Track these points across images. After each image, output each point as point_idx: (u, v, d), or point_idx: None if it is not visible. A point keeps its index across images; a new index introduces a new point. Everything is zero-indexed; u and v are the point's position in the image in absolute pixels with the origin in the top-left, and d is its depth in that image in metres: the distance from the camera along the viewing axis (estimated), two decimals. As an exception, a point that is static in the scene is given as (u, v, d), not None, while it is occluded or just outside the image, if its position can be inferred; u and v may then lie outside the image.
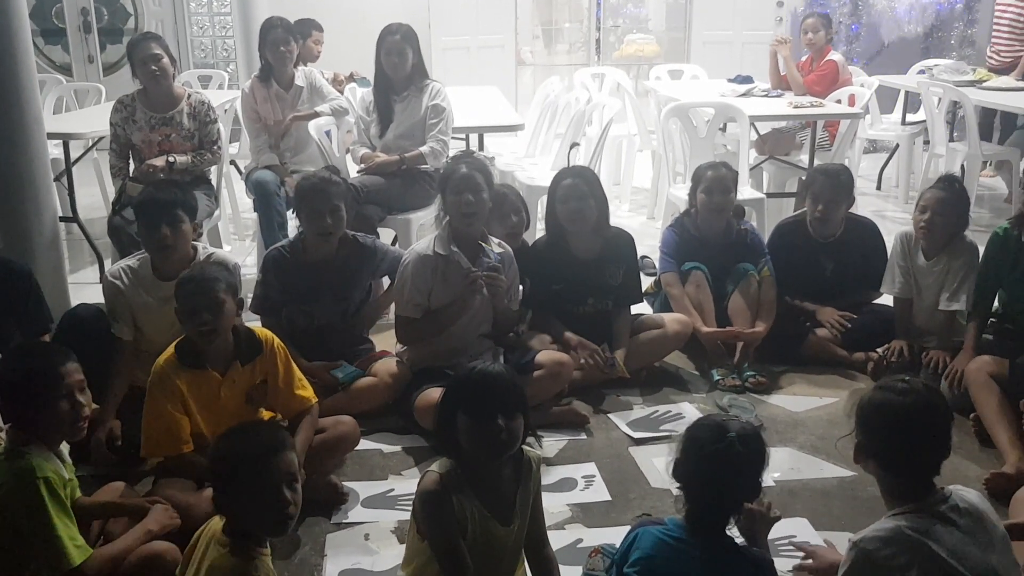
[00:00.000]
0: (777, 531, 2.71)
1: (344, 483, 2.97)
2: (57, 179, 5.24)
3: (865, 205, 6.46)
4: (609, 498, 2.95)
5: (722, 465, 1.94)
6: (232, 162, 5.91)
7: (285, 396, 2.92)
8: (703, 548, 1.98)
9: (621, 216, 6.38)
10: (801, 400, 3.63)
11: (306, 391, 2.97)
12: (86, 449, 3.02)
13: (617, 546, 2.61)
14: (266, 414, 3.00)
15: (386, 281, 3.79)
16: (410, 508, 2.74)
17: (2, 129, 3.87)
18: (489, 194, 3.41)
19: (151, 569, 2.26)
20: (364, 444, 3.25)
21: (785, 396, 3.66)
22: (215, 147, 4.47)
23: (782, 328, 3.91)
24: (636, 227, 6.09)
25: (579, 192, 3.68)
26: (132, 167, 4.47)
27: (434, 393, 3.17)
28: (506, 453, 2.09)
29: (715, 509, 2.00)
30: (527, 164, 5.69)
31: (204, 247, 3.38)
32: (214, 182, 4.64)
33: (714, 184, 3.93)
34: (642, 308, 4.05)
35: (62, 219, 5.22)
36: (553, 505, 2.89)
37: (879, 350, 3.82)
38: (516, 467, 2.17)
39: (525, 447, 2.20)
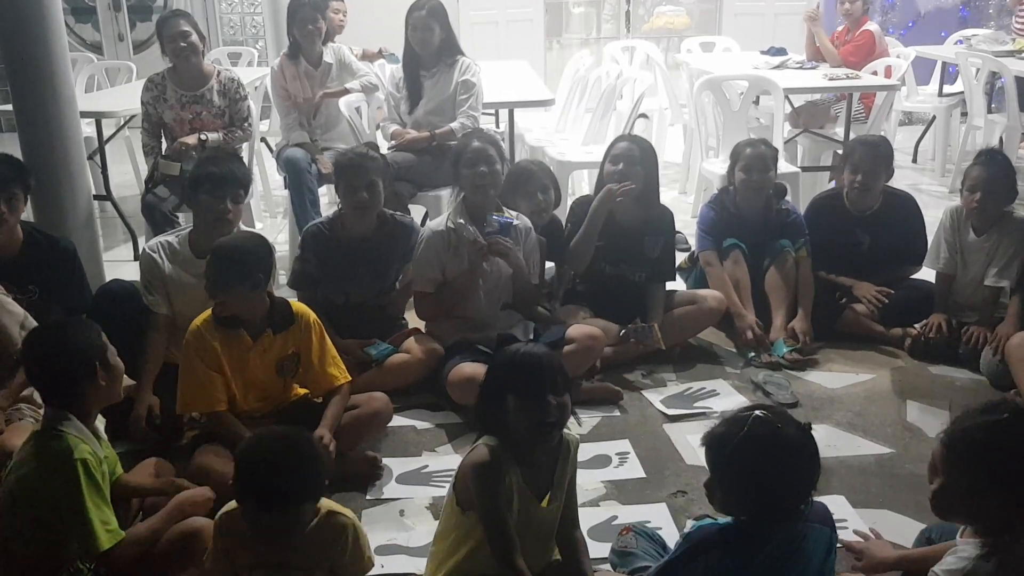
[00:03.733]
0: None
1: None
2: (90, 157, 5.29)
3: (901, 179, 6.33)
4: (644, 475, 2.93)
5: (758, 452, 1.86)
6: (263, 139, 5.92)
7: (317, 372, 2.93)
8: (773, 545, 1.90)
9: (653, 192, 6.33)
10: (838, 376, 3.58)
11: (338, 369, 2.98)
12: (124, 425, 3.05)
13: (649, 525, 2.64)
14: (300, 390, 3.02)
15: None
16: (445, 484, 2.78)
17: (36, 108, 3.90)
18: (502, 167, 3.43)
19: (189, 545, 2.27)
20: (397, 421, 3.25)
21: (821, 373, 3.62)
22: (246, 124, 4.47)
23: (818, 303, 3.86)
24: (668, 202, 5.94)
25: (630, 156, 3.67)
26: (164, 145, 4.49)
27: (466, 368, 3.18)
28: (558, 432, 2.10)
29: (777, 507, 1.90)
30: (557, 139, 5.64)
31: (240, 225, 3.38)
32: (245, 160, 4.63)
33: (753, 162, 3.86)
34: (674, 285, 4.01)
35: (96, 197, 5.28)
36: (587, 482, 2.88)
37: (917, 326, 3.76)
38: (555, 447, 2.17)
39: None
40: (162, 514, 2.35)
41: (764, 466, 1.86)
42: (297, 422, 2.83)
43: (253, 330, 2.83)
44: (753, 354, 3.69)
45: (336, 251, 3.46)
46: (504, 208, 3.48)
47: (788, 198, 4.08)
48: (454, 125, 4.43)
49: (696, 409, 3.34)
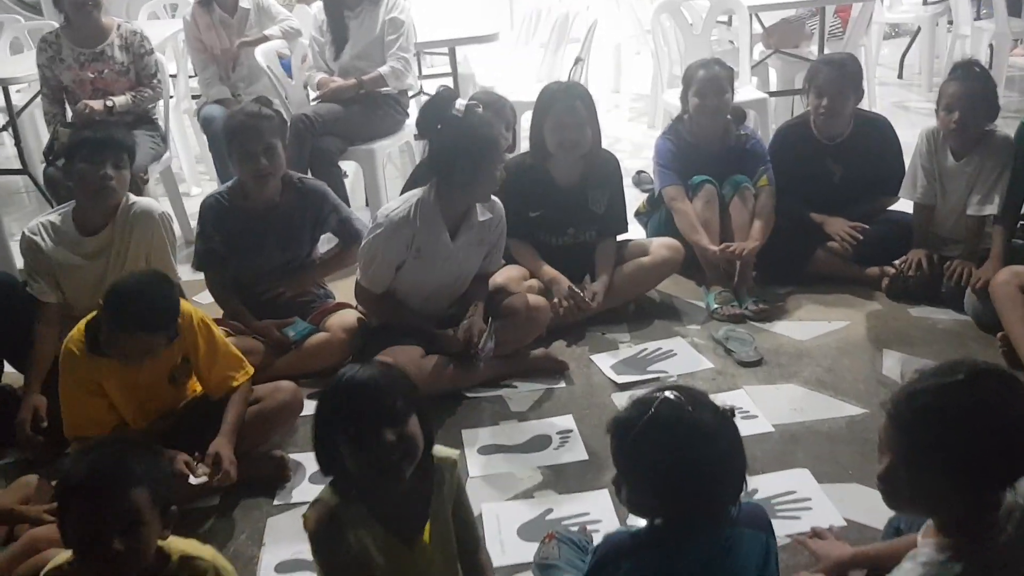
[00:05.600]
0: (774, 486, 2.42)
1: (291, 455, 2.68)
2: (4, 129, 4.92)
3: (886, 96, 5.95)
4: (586, 457, 2.62)
5: (661, 439, 1.54)
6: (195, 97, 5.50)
7: (209, 376, 2.60)
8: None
9: (620, 126, 5.94)
10: (808, 326, 3.24)
11: (232, 369, 2.63)
12: (9, 431, 2.75)
13: (587, 519, 2.34)
14: (196, 387, 2.69)
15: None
16: None
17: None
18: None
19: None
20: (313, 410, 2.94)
21: (790, 323, 3.28)
22: (155, 81, 4.07)
23: (787, 244, 3.51)
24: (637, 137, 5.66)
25: (577, 118, 3.25)
26: (70, 112, 4.10)
27: (394, 352, 2.83)
28: (407, 470, 1.74)
29: (696, 508, 1.58)
30: (511, 78, 5.21)
31: (128, 196, 3.03)
32: (161, 120, 4.24)
33: (706, 85, 3.47)
34: (635, 231, 3.66)
35: (11, 172, 4.92)
36: (521, 469, 2.59)
37: (896, 263, 3.40)
38: (424, 476, 1.82)
39: (436, 448, 1.86)
40: (13, 549, 2.04)
41: (671, 458, 1.53)
42: (197, 428, 2.56)
43: None
44: (716, 306, 3.35)
45: (239, 224, 3.09)
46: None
47: (750, 123, 3.69)
48: (383, 69, 4.04)
49: (649, 374, 3.01)
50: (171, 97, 4.91)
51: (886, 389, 2.80)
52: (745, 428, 2.59)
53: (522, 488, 2.51)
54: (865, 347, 3.08)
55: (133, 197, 3.05)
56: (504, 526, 2.37)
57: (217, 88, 4.33)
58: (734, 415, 1.62)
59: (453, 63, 4.61)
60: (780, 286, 3.51)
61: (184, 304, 2.59)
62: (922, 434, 1.46)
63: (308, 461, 2.67)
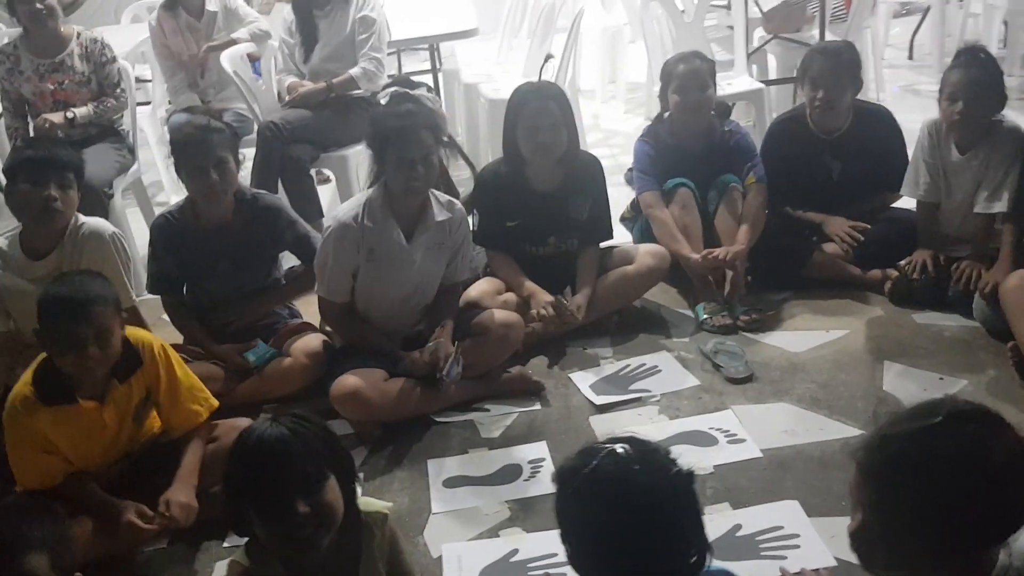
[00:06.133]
0: (759, 521, 2.22)
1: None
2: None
3: (896, 79, 5.68)
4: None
5: (600, 498, 1.34)
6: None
7: (171, 410, 2.43)
8: None
9: (616, 119, 5.70)
10: (804, 337, 3.02)
11: (195, 403, 2.46)
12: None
13: (555, 560, 2.15)
14: (154, 424, 2.52)
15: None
16: None
17: None
18: (439, 153, 2.78)
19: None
20: (280, 437, 2.77)
21: (785, 333, 3.06)
22: (119, 91, 3.90)
23: (782, 246, 3.30)
24: (632, 130, 5.40)
25: (550, 119, 3.03)
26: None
27: (349, 380, 2.66)
28: (323, 541, 1.56)
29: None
30: (498, 74, 5.00)
31: (77, 217, 2.87)
32: (128, 130, 4.07)
33: (687, 80, 3.25)
34: (621, 236, 3.45)
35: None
36: (488, 503, 2.40)
37: (899, 265, 3.16)
38: (351, 534, 1.65)
39: (365, 500, 1.68)
40: None
41: (608, 520, 1.34)
42: (159, 467, 2.39)
43: (97, 389, 2.31)
44: (705, 316, 3.14)
45: (190, 244, 2.90)
46: (434, 196, 2.81)
47: (732, 118, 3.47)
48: (354, 71, 3.85)
49: (631, 394, 2.81)
50: (148, 103, 4.76)
51: (886, 407, 2.59)
52: (732, 453, 2.47)
53: (488, 525, 2.33)
54: (864, 359, 2.86)
55: (82, 218, 2.89)
56: (466, 569, 2.19)
57: (186, 95, 4.16)
58: (692, 480, 1.41)
59: (433, 60, 4.41)
60: (775, 292, 3.28)
61: (142, 333, 2.48)
62: (896, 486, 1.28)
63: (261, 500, 2.51)
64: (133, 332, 2.42)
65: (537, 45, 4.73)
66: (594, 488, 1.36)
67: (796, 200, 3.37)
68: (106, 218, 3.76)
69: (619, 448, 1.40)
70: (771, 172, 3.35)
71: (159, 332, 3.04)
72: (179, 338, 2.98)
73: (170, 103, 4.38)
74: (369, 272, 2.76)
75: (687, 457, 2.30)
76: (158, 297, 3.09)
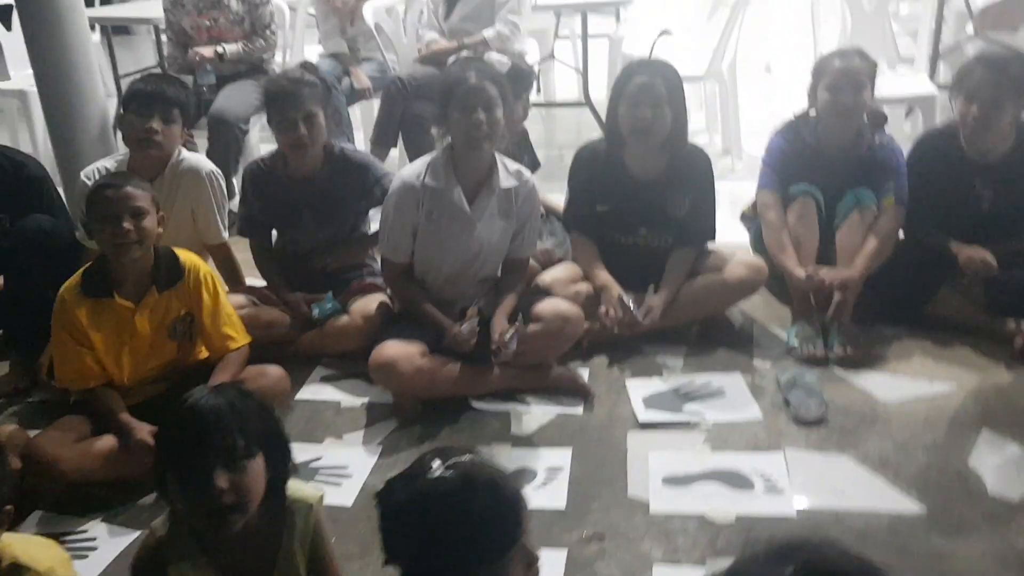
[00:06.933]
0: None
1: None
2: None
3: None
4: (563, 506, 2.26)
5: (400, 517, 1.30)
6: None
7: (211, 331, 2.54)
8: None
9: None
10: (900, 384, 2.66)
11: (235, 330, 2.57)
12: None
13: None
14: (205, 352, 2.62)
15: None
16: (332, 482, 2.39)
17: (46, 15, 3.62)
18: (506, 110, 2.65)
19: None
20: (324, 394, 2.82)
21: (881, 376, 2.71)
22: (268, 32, 4.02)
23: (907, 276, 2.90)
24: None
25: (654, 96, 2.82)
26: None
27: (388, 349, 2.62)
28: (235, 519, 1.51)
29: None
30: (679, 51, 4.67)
31: (180, 151, 3.00)
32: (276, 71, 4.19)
33: (841, 79, 2.90)
34: (733, 236, 3.17)
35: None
36: (490, 506, 2.27)
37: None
38: (272, 518, 1.60)
39: (295, 485, 1.62)
40: None
41: (407, 543, 1.30)
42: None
43: (135, 291, 2.45)
44: (795, 344, 2.83)
45: (277, 193, 2.96)
46: (503, 162, 2.74)
47: (886, 130, 3.06)
48: (488, 33, 3.76)
49: (682, 416, 2.58)
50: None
51: (960, 485, 2.23)
52: (763, 504, 2.21)
53: (480, 529, 2.22)
54: (963, 423, 2.47)
55: (184, 152, 3.02)
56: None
57: (335, 41, 4.22)
58: (519, 523, 1.30)
59: (584, 27, 4.22)
60: (889, 326, 2.91)
61: (192, 257, 2.57)
62: None
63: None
64: (183, 253, 2.53)
65: (705, 18, 4.43)
66: (401, 503, 1.30)
67: (935, 228, 2.95)
68: (239, 153, 3.95)
69: (436, 465, 1.31)
70: (912, 191, 2.95)
71: (247, 270, 3.16)
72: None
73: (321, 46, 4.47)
74: (428, 233, 2.69)
75: (712, 501, 2.15)
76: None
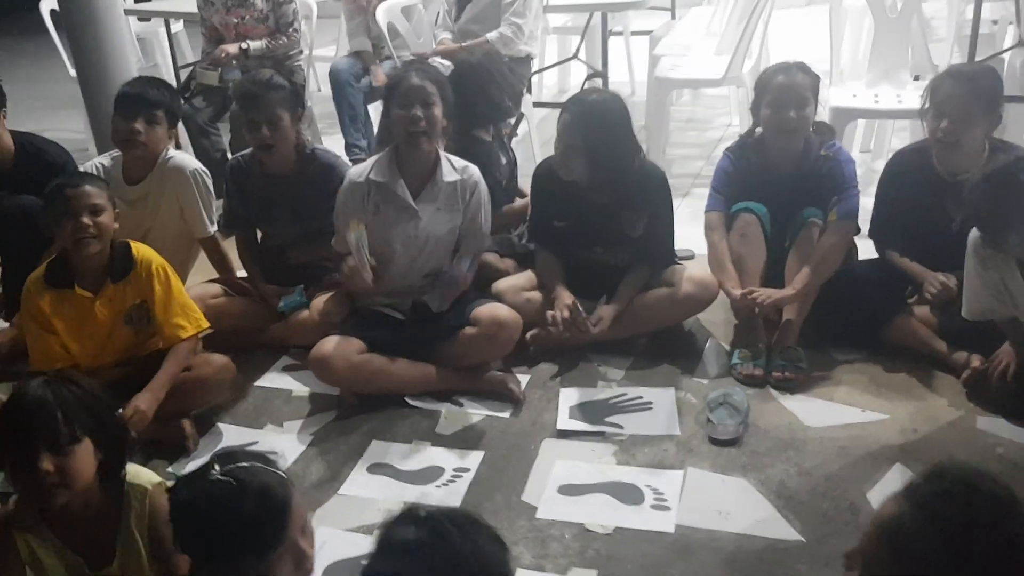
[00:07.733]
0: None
1: (220, 424, 2.75)
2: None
3: None
4: (456, 506, 2.35)
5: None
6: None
7: (162, 323, 2.71)
8: None
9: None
10: (830, 410, 2.61)
11: (187, 320, 2.72)
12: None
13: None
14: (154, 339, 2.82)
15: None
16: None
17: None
18: (445, 110, 2.76)
19: None
20: (279, 382, 2.99)
21: (812, 401, 2.66)
22: (291, 30, 4.21)
23: (867, 298, 2.81)
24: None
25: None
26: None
27: (327, 345, 2.75)
28: (59, 499, 1.68)
29: None
30: (689, 51, 4.60)
31: (167, 150, 3.20)
32: (304, 70, 4.38)
33: (783, 95, 2.84)
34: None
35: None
36: (390, 499, 2.39)
37: (991, 357, 2.58)
38: (112, 499, 1.75)
39: (135, 471, 1.77)
40: None
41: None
42: (149, 376, 2.70)
43: (92, 283, 2.65)
44: (738, 362, 2.80)
45: (255, 188, 3.14)
46: (446, 157, 2.84)
47: (835, 141, 2.97)
48: (491, 35, 3.83)
49: (601, 426, 2.62)
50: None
51: (852, 517, 2.19)
52: (646, 519, 2.27)
53: (374, 520, 2.32)
54: (879, 455, 2.40)
55: (172, 152, 3.21)
56: (322, 558, 2.22)
57: (359, 39, 4.37)
58: (283, 526, 1.43)
59: (604, 37, 4.22)
60: (844, 351, 2.84)
61: (146, 250, 2.72)
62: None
63: (231, 433, 2.74)
64: (138, 246, 2.71)
65: (734, 24, 4.35)
66: (182, 504, 1.45)
67: (904, 248, 2.85)
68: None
69: (216, 470, 1.44)
70: (881, 208, 2.87)
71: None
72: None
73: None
74: (377, 225, 2.80)
75: (598, 512, 2.19)
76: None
